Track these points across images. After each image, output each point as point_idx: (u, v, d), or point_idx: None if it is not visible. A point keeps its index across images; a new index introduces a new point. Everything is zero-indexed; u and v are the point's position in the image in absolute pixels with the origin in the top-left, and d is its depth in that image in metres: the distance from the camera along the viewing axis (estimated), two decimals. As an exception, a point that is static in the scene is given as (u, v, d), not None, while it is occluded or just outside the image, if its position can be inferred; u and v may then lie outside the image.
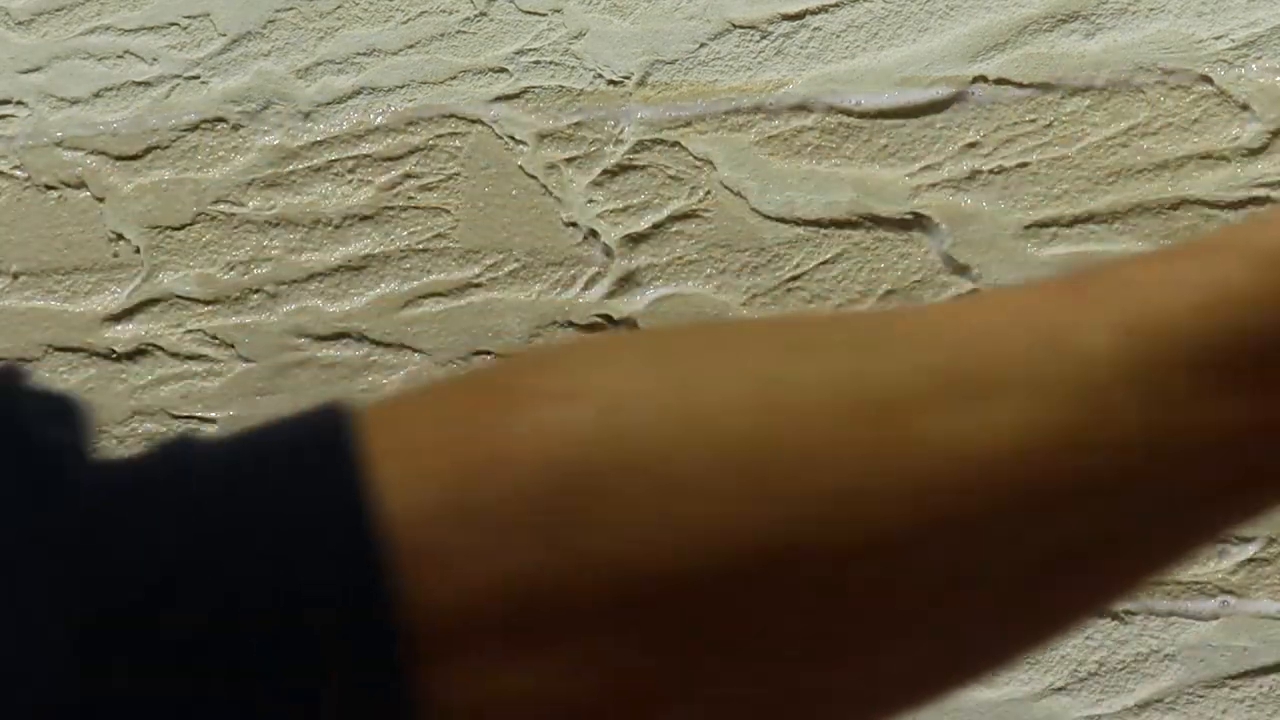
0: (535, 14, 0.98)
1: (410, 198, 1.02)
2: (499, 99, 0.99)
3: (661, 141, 0.97)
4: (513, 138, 0.99)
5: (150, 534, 0.33)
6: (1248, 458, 0.34)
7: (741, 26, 0.95)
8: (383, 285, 1.03)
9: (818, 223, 0.95)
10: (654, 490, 0.33)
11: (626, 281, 0.98)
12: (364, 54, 1.02)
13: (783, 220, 0.96)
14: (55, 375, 1.09)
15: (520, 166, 0.99)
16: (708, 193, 0.96)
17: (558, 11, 0.98)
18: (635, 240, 0.98)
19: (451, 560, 0.33)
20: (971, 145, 0.92)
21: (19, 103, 1.08)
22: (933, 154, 0.93)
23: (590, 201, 0.98)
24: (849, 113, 0.94)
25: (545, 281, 1.00)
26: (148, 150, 1.06)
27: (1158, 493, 0.34)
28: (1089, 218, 0.91)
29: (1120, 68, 0.90)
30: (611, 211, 0.98)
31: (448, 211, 1.01)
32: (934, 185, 0.93)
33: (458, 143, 1.01)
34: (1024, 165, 0.92)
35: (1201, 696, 0.94)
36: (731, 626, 0.34)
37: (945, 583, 0.34)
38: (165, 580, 0.32)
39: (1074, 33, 0.90)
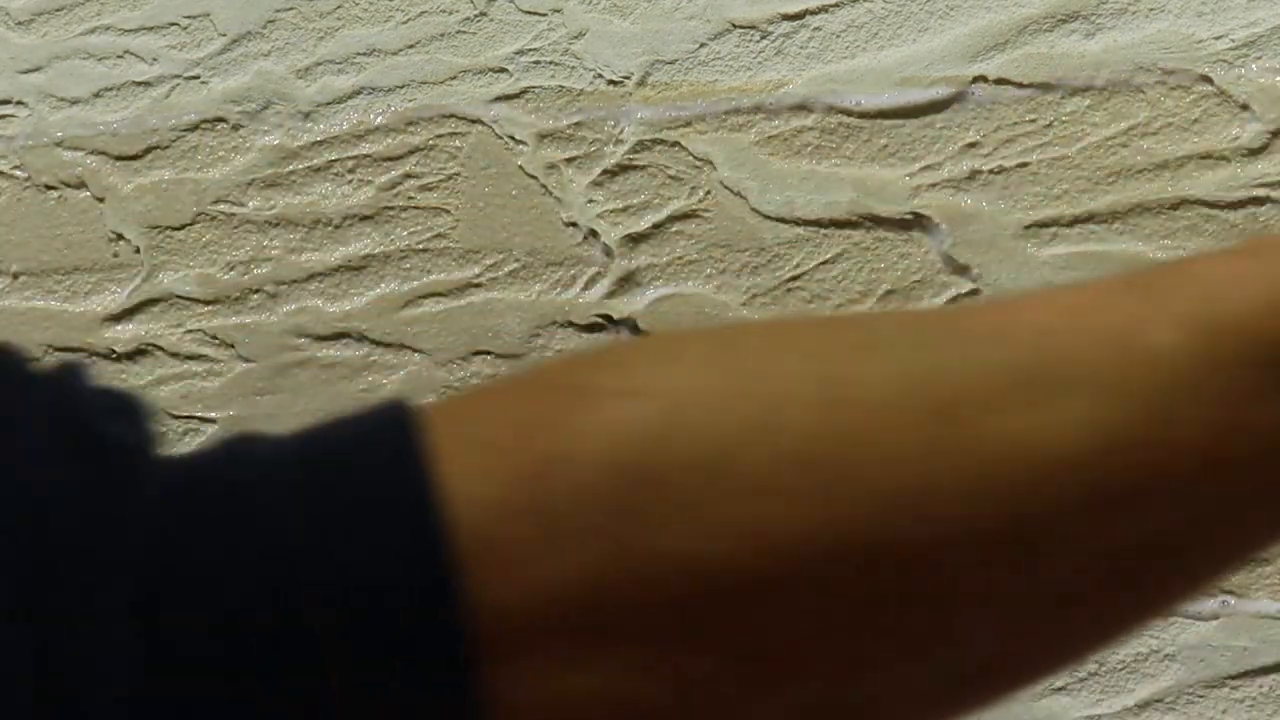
0: (535, 14, 0.98)
1: (410, 198, 1.02)
2: (499, 99, 0.99)
3: (661, 141, 0.97)
4: (513, 138, 0.99)
5: (217, 532, 0.33)
6: None
7: (741, 26, 0.95)
8: (383, 285, 1.03)
9: (818, 223, 0.95)
10: (720, 489, 0.33)
11: (626, 281, 0.98)
12: (364, 54, 1.02)
13: (783, 220, 0.95)
14: (55, 375, 1.09)
15: (520, 166, 0.99)
16: (708, 193, 0.96)
17: (558, 11, 0.98)
18: (635, 240, 0.98)
19: (517, 559, 0.33)
20: (971, 145, 0.92)
21: (19, 103, 1.08)
22: (933, 154, 0.93)
23: (590, 201, 0.98)
24: (849, 113, 0.94)
25: (545, 281, 1.00)
26: (148, 150, 1.06)
27: (1223, 492, 0.34)
28: (1089, 218, 0.91)
29: (1120, 68, 0.90)
30: (611, 211, 0.98)
31: (448, 211, 1.01)
32: (934, 185, 0.93)
33: (458, 143, 1.01)
34: (1024, 165, 0.92)
35: (1201, 696, 0.94)
36: (796, 627, 0.34)
37: (1011, 582, 0.34)
38: (233, 578, 0.32)
39: (1074, 33, 0.90)
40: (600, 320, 0.99)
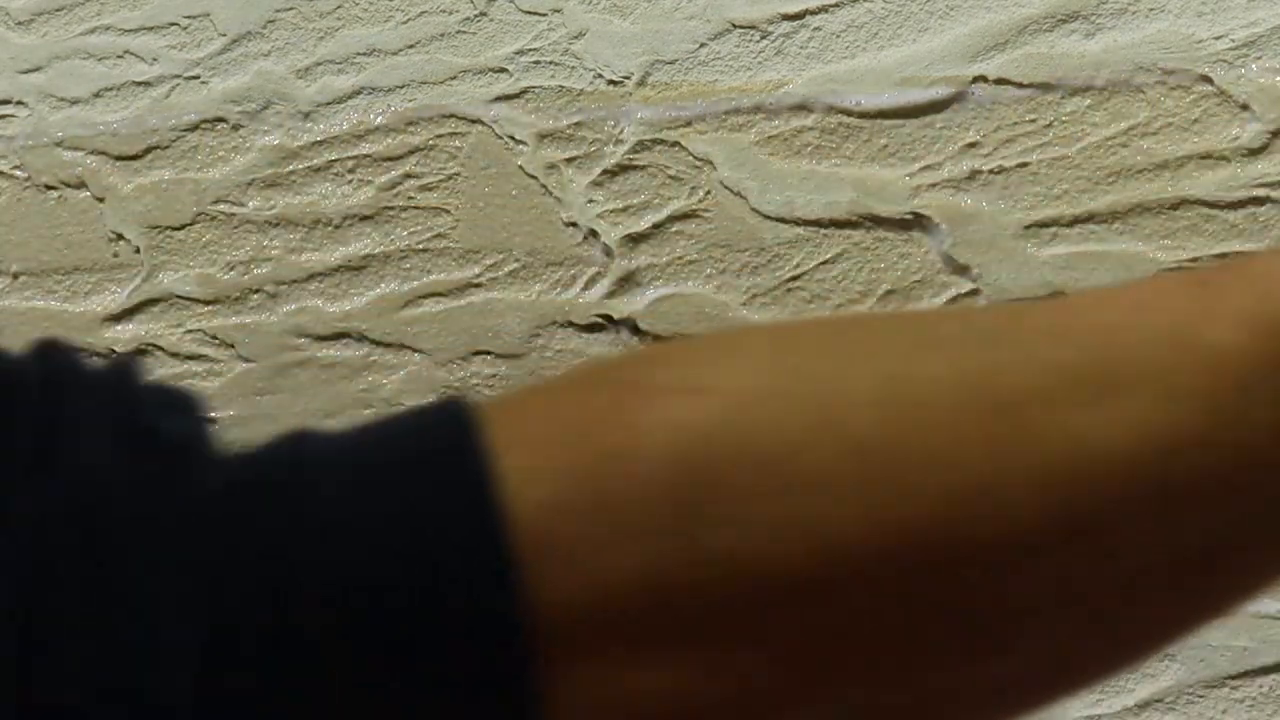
0: (535, 14, 0.98)
1: (410, 198, 1.02)
2: (499, 99, 0.99)
3: (661, 141, 0.97)
4: (513, 138, 0.99)
5: (277, 529, 0.33)
6: None
7: (741, 26, 0.95)
8: (383, 285, 1.03)
9: (818, 223, 0.95)
10: (781, 487, 0.33)
11: (626, 281, 0.98)
12: (364, 54, 1.02)
13: (783, 220, 0.95)
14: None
15: (520, 166, 0.99)
16: (708, 193, 0.96)
17: (558, 11, 0.98)
18: (635, 240, 0.98)
19: (577, 555, 0.33)
20: (971, 145, 0.92)
21: (19, 103, 1.08)
22: (933, 154, 0.93)
23: (590, 201, 0.98)
24: (849, 113, 0.94)
25: (545, 281, 1.00)
26: (148, 150, 1.06)
27: None
28: (1089, 218, 0.91)
29: (1120, 68, 0.90)
30: (611, 211, 0.98)
31: (448, 211, 1.01)
32: (934, 185, 0.93)
33: (458, 143, 1.01)
34: (1024, 165, 0.92)
35: (1201, 696, 0.94)
36: (855, 628, 0.34)
37: (1071, 582, 0.34)
38: (292, 576, 0.32)
39: (1074, 33, 0.90)
40: (600, 320, 0.99)
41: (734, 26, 0.95)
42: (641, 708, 0.33)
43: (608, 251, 0.98)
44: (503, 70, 0.99)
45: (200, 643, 0.32)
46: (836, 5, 0.93)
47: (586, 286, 0.99)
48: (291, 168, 1.03)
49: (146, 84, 1.06)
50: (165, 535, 0.32)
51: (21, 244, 1.09)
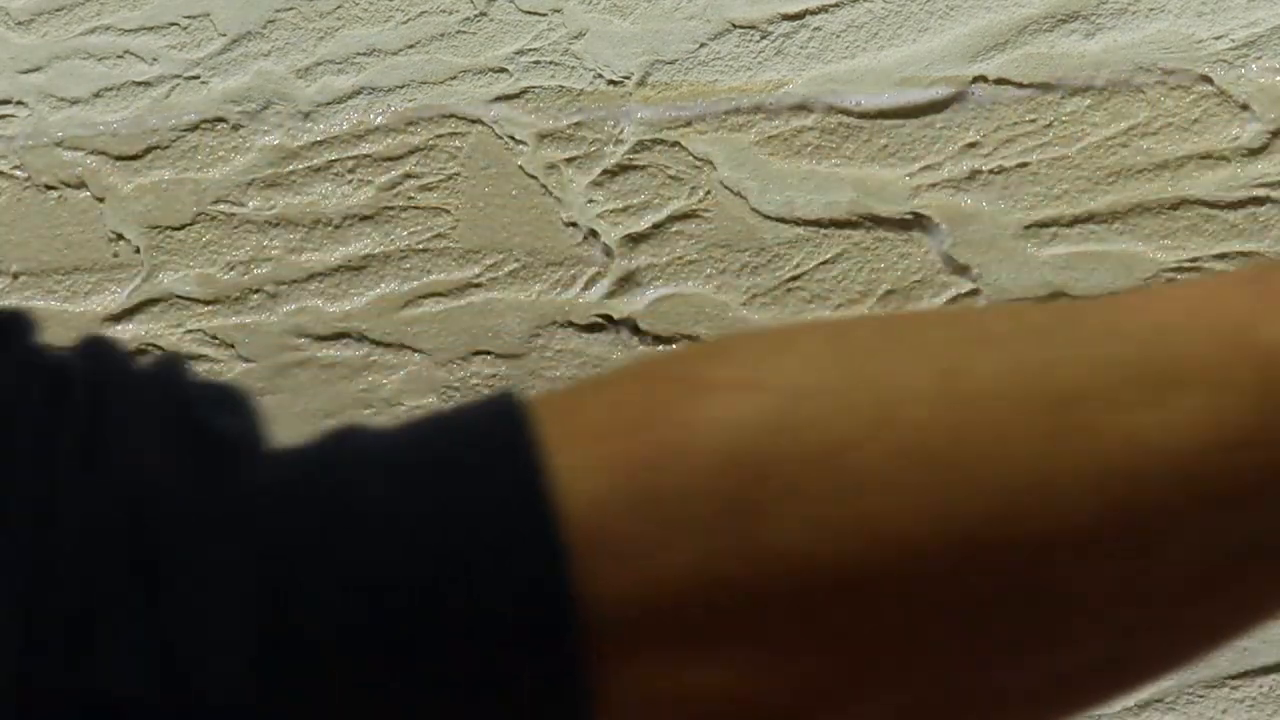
0: (535, 14, 0.98)
1: (410, 198, 1.02)
2: (499, 99, 0.99)
3: (661, 141, 0.97)
4: (513, 138, 0.99)
5: (327, 527, 0.33)
6: None
7: (741, 26, 0.95)
8: (383, 285, 1.03)
9: (818, 223, 0.95)
10: (836, 482, 0.33)
11: (626, 281, 0.98)
12: (364, 54, 1.02)
13: (783, 220, 0.95)
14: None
15: (520, 166, 0.99)
16: (708, 193, 0.96)
17: (558, 11, 0.98)
18: (635, 240, 0.98)
19: (630, 552, 0.33)
20: (971, 145, 0.92)
21: (19, 103, 1.08)
22: (933, 154, 0.93)
23: (590, 201, 0.98)
24: (849, 113, 0.94)
25: (545, 281, 1.00)
26: (148, 150, 1.06)
27: None
28: (1089, 218, 0.91)
29: (1120, 68, 0.90)
30: (611, 211, 0.98)
31: (448, 211, 1.01)
32: (934, 185, 0.93)
33: (458, 143, 1.01)
34: (1024, 165, 0.92)
35: (1201, 696, 0.94)
36: (912, 624, 0.33)
37: (1125, 580, 0.34)
38: (344, 573, 0.32)
39: (1074, 33, 0.90)
40: (600, 320, 0.99)
41: (734, 26, 0.95)
42: (695, 706, 0.33)
43: (608, 251, 0.98)
44: (503, 70, 0.99)
45: (251, 640, 0.32)
46: (836, 5, 0.93)
47: (586, 286, 0.99)
48: (291, 168, 1.03)
49: (146, 84, 1.06)
50: (214, 533, 0.32)
51: (21, 244, 1.09)
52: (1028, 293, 0.92)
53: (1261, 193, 0.88)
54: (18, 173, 1.08)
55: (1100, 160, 0.91)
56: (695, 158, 0.96)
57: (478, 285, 1.01)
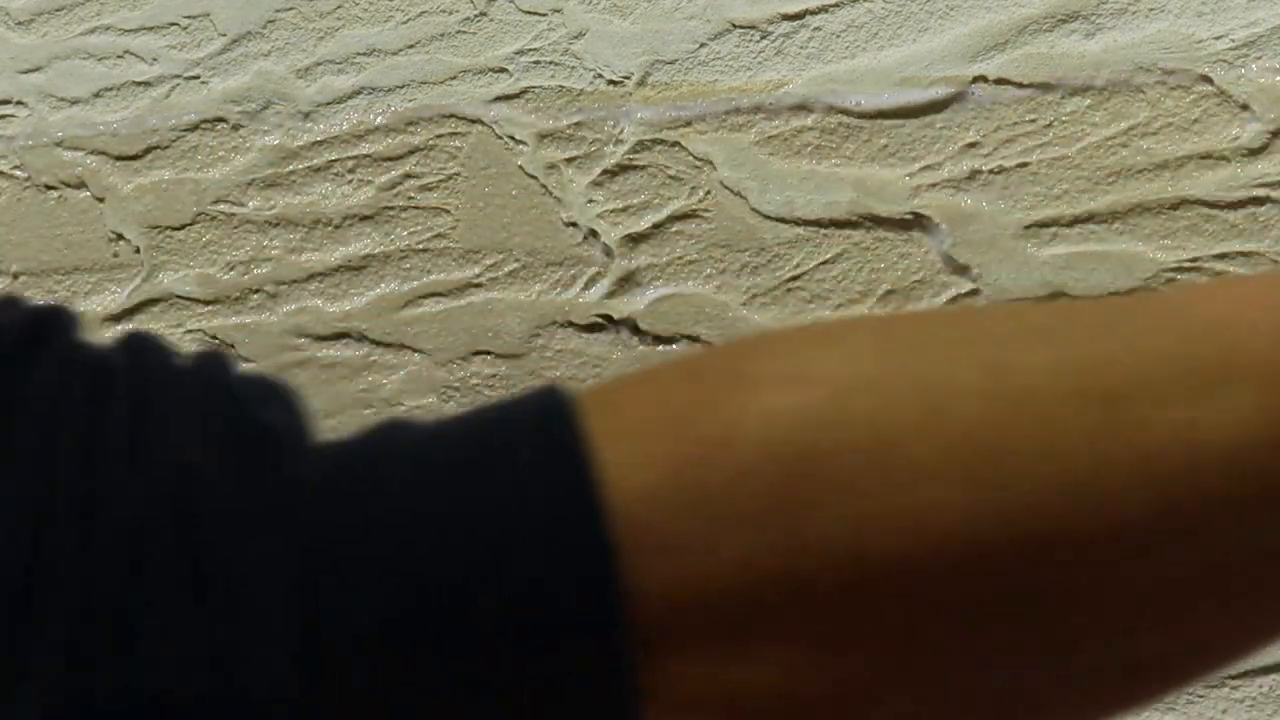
0: (535, 14, 0.98)
1: (410, 198, 1.02)
2: (499, 99, 0.99)
3: (661, 141, 0.97)
4: (513, 138, 0.99)
5: (373, 522, 0.33)
6: None
7: (741, 26, 0.95)
8: (383, 285, 1.03)
9: (818, 223, 0.95)
10: (884, 477, 0.33)
11: (626, 281, 0.98)
12: (364, 54, 1.02)
13: (783, 220, 0.95)
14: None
15: (520, 166, 0.99)
16: (708, 193, 0.96)
17: (558, 11, 0.98)
18: (635, 240, 0.98)
19: (677, 547, 0.33)
20: (971, 145, 0.92)
21: (19, 103, 1.08)
22: (933, 154, 0.93)
23: (590, 201, 0.98)
24: (849, 113, 0.94)
25: (545, 281, 1.00)
26: (148, 150, 1.06)
27: None
28: (1089, 218, 0.91)
29: (1120, 68, 0.90)
30: (611, 211, 0.98)
31: (448, 211, 1.01)
32: (934, 185, 0.93)
33: (458, 143, 1.01)
34: (1024, 165, 0.92)
35: (1201, 696, 0.94)
36: (958, 619, 0.33)
37: (1173, 575, 0.34)
38: (389, 569, 0.32)
39: (1074, 33, 0.90)
40: (600, 320, 0.99)
41: (734, 26, 0.95)
42: (743, 702, 0.33)
43: (608, 251, 0.98)
44: (503, 70, 0.99)
45: (294, 634, 0.32)
46: (836, 5, 0.93)
47: (586, 286, 0.99)
48: (291, 168, 1.03)
49: (146, 84, 1.06)
50: (257, 527, 0.32)
51: (21, 244, 1.09)
52: (1028, 293, 0.92)
53: (1261, 193, 0.88)
54: (18, 173, 1.08)
55: (1100, 160, 0.91)
56: (695, 158, 0.96)
57: (478, 285, 1.01)
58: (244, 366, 1.06)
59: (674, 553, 0.33)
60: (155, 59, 1.05)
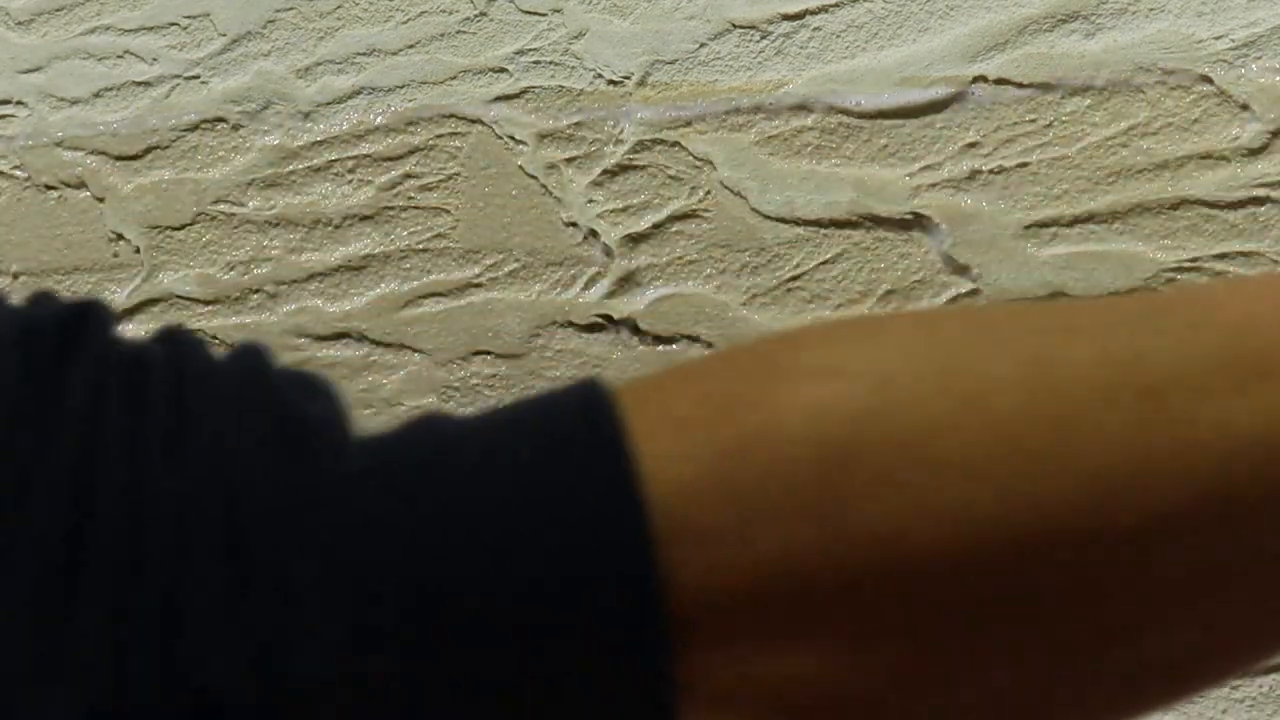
0: (535, 14, 0.98)
1: (410, 198, 1.02)
2: (499, 99, 0.99)
3: (661, 141, 0.97)
4: (513, 138, 0.99)
5: (413, 515, 0.33)
6: None
7: (741, 26, 0.95)
8: (383, 285, 1.03)
9: (818, 223, 0.95)
10: (924, 470, 0.33)
11: (626, 281, 0.98)
12: (364, 54, 1.02)
13: (783, 220, 0.95)
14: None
15: (520, 166, 0.99)
16: (708, 193, 0.96)
17: (558, 11, 0.98)
18: (635, 240, 0.98)
19: (716, 540, 0.33)
20: (971, 145, 0.92)
21: (19, 103, 1.08)
22: (933, 154, 0.93)
23: (590, 201, 0.98)
24: (849, 113, 0.94)
25: (545, 281, 1.00)
26: (148, 150, 1.06)
27: None
28: (1089, 218, 0.91)
29: (1120, 68, 0.90)
30: (611, 211, 0.98)
31: (448, 211, 1.01)
32: (934, 185, 0.93)
33: (458, 143, 1.01)
34: (1024, 165, 0.92)
35: (1201, 696, 0.94)
36: (1000, 610, 0.33)
37: (1211, 569, 0.34)
38: (431, 562, 0.32)
39: (1074, 33, 0.90)
40: (600, 320, 0.99)
41: (734, 26, 0.95)
42: (778, 695, 0.33)
43: (608, 251, 0.98)
44: (503, 70, 0.99)
45: (338, 629, 0.32)
46: (836, 5, 0.93)
47: (586, 286, 0.99)
48: (291, 168, 1.03)
49: (146, 84, 1.06)
50: (300, 521, 0.32)
51: (21, 244, 1.09)
52: (1027, 293, 0.92)
53: (1261, 193, 0.88)
54: (18, 173, 1.08)
55: (1100, 160, 0.91)
56: (695, 158, 0.96)
57: (478, 285, 1.01)
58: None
59: (712, 545, 0.33)
60: (155, 59, 1.05)
